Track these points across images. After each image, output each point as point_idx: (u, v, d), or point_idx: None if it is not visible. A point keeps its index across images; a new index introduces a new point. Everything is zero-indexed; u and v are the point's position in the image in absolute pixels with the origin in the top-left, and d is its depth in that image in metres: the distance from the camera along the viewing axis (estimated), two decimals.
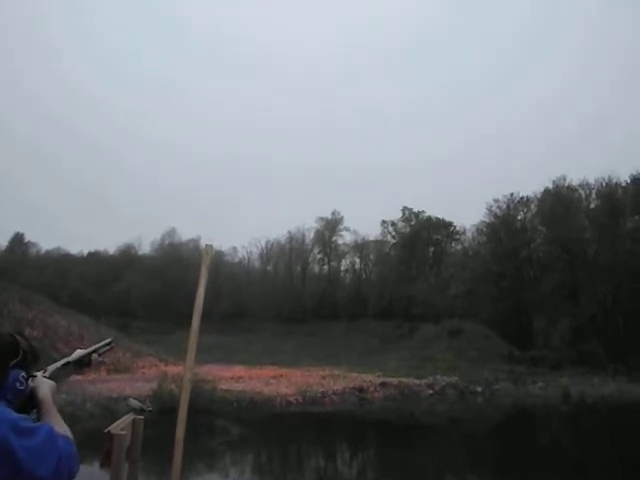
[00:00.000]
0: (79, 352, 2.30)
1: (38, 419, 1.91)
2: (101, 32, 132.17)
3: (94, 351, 2.35)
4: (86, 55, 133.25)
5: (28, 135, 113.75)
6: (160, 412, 18.17)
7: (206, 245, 3.18)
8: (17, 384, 1.89)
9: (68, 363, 2.21)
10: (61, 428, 1.89)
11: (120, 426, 2.73)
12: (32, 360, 1.99)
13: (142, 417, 3.09)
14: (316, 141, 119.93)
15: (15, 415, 1.78)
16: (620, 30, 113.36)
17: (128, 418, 2.93)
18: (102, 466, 2.79)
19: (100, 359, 2.38)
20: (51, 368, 2.13)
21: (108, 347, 2.43)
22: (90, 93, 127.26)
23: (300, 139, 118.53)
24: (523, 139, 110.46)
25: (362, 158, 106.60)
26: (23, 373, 1.93)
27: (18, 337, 1.96)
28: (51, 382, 2.05)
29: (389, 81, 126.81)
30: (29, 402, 1.94)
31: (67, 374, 2.21)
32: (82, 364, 2.28)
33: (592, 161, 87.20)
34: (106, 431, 2.65)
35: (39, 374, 2.05)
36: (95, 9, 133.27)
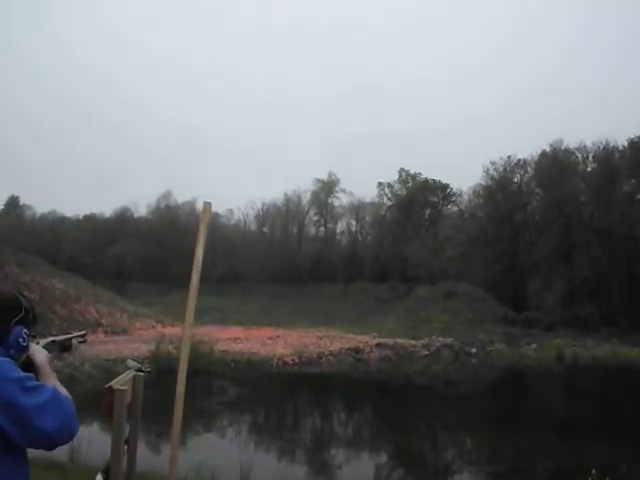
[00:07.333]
0: (61, 337, 2.43)
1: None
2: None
3: (74, 337, 2.49)
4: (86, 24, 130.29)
5: (24, 101, 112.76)
6: (158, 373, 18.40)
7: (204, 202, 3.10)
8: (20, 340, 1.95)
9: (54, 342, 2.31)
10: (61, 389, 1.94)
11: (121, 382, 2.73)
12: (32, 320, 2.03)
13: (142, 374, 3.09)
14: (315, 108, 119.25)
15: (22, 374, 1.83)
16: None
17: (128, 374, 2.92)
18: (104, 418, 2.85)
19: (78, 346, 2.53)
20: (42, 342, 2.20)
21: (82, 339, 2.58)
22: (86, 61, 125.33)
23: (298, 105, 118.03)
24: (523, 109, 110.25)
25: (361, 125, 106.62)
26: (26, 330, 1.96)
27: (20, 296, 2.03)
28: (45, 351, 2.11)
29: (390, 51, 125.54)
30: (27, 368, 1.97)
31: (52, 352, 2.27)
32: (64, 347, 2.41)
33: (591, 128, 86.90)
34: (107, 386, 2.67)
35: (32, 344, 2.10)
36: None
